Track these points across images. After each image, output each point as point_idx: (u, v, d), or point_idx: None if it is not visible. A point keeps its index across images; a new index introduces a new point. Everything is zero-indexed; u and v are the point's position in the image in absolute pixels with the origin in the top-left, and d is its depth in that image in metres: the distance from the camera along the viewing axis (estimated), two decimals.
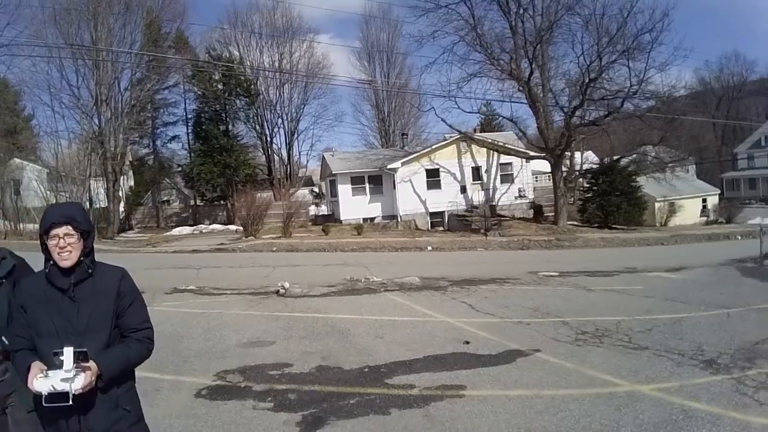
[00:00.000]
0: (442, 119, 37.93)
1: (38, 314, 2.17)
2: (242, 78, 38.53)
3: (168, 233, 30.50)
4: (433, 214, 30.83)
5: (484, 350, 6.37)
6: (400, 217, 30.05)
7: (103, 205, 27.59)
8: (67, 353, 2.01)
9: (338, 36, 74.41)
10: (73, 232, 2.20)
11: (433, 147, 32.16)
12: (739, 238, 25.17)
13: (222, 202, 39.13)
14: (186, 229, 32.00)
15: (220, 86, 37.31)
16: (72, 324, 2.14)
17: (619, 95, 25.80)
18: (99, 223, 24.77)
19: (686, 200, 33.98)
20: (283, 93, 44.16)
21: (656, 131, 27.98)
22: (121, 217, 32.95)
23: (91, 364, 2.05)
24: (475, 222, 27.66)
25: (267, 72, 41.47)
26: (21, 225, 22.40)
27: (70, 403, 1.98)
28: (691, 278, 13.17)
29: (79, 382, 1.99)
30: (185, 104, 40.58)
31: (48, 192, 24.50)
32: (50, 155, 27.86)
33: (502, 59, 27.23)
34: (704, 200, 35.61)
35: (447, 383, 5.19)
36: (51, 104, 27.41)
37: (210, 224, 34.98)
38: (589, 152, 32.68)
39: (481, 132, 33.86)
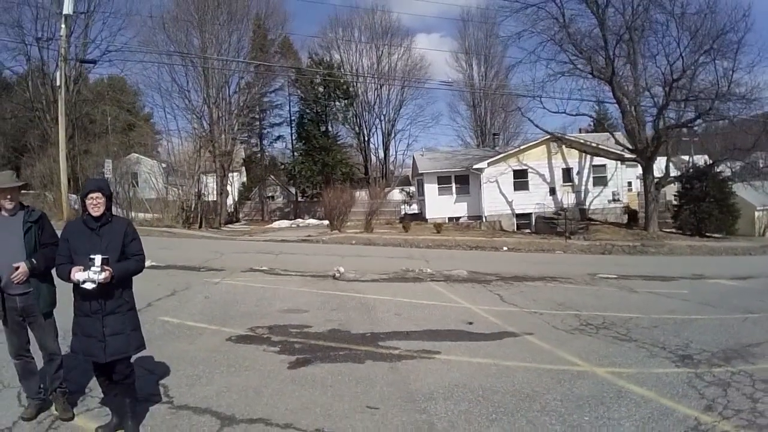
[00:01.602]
0: (529, 119, 37.47)
1: (77, 242, 3.64)
2: (341, 81, 40.94)
3: (268, 225, 33.50)
4: (519, 216, 30.80)
5: (481, 330, 7.16)
6: (485, 217, 30.43)
7: (212, 199, 30.96)
8: (98, 258, 3.50)
9: (436, 32, 75.10)
10: (101, 195, 3.65)
11: (522, 147, 32.10)
12: None
13: (320, 198, 41.90)
14: (285, 223, 34.84)
15: (320, 89, 39.96)
16: (97, 248, 3.56)
17: (701, 96, 24.35)
18: (207, 214, 27.99)
19: None
20: (381, 94, 46.20)
21: (750, 135, 25.97)
22: (229, 210, 36.62)
23: (109, 268, 3.50)
24: (561, 225, 27.34)
25: (365, 75, 43.48)
26: (133, 213, 25.99)
27: (96, 286, 3.47)
28: (748, 286, 12.71)
29: (102, 276, 3.48)
30: (289, 106, 43.98)
31: (165, 185, 28.05)
32: (164, 151, 31.81)
33: (591, 56, 26.69)
34: None
35: (427, 349, 6.12)
36: (163, 105, 31.29)
37: (308, 219, 37.68)
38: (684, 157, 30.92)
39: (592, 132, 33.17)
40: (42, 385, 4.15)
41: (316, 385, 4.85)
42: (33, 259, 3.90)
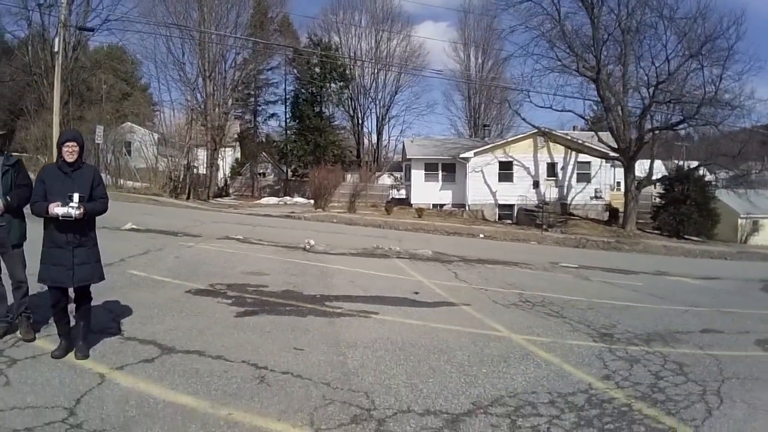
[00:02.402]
0: (516, 112, 37.85)
1: (53, 184, 4.21)
2: (338, 63, 41.18)
3: (256, 201, 33.99)
4: (502, 206, 31.43)
5: (424, 299, 7.76)
6: (469, 206, 31.04)
7: (202, 171, 31.38)
8: (76, 196, 4.10)
9: (437, 21, 75.03)
10: (76, 144, 4.24)
11: (509, 140, 32.67)
12: None
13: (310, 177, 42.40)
14: (273, 200, 35.32)
15: (317, 70, 40.21)
16: (70, 189, 4.13)
17: (684, 100, 24.93)
18: (196, 186, 28.44)
19: None
20: (377, 79, 46.42)
21: (736, 143, 26.60)
22: (220, 184, 37.04)
23: (84, 205, 4.10)
24: (541, 217, 27.99)
25: (362, 60, 43.68)
26: (121, 181, 26.42)
27: (74, 219, 4.07)
28: (710, 286, 13.22)
29: (80, 211, 4.08)
30: (285, 85, 44.24)
31: (155, 155, 28.45)
32: (157, 122, 32.09)
33: (582, 54, 27.15)
34: None
35: (367, 310, 6.71)
36: (157, 76, 31.49)
37: (296, 197, 38.15)
38: (659, 162, 31.54)
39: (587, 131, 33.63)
40: (9, 311, 4.71)
41: (255, 331, 5.43)
42: (8, 197, 4.46)
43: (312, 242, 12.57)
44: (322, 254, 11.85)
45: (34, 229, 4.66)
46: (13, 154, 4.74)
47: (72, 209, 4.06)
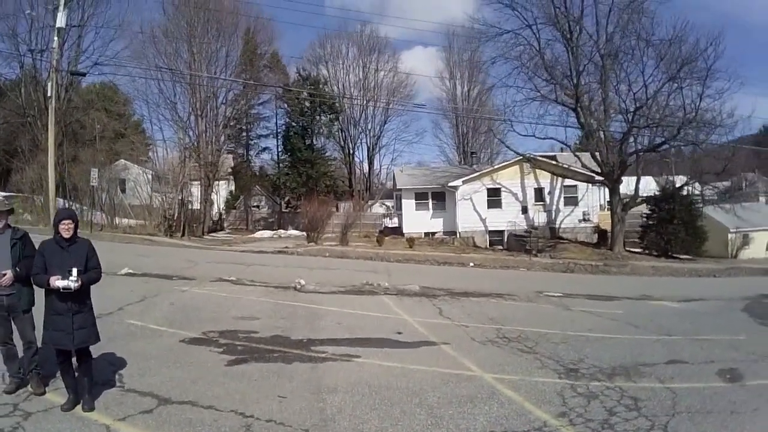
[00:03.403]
0: (500, 140, 38.78)
1: (52, 257, 4.74)
2: (327, 96, 42.21)
3: (251, 235, 34.48)
4: (492, 233, 32.02)
5: (406, 339, 8.25)
6: (459, 233, 31.64)
7: (196, 207, 31.93)
8: (74, 271, 4.61)
9: (423, 49, 76.88)
10: (72, 222, 4.78)
11: (496, 167, 33.46)
12: None
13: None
14: (267, 233, 35.83)
15: (307, 104, 41.19)
16: (66, 262, 4.64)
17: (663, 124, 25.81)
18: (191, 222, 28.96)
19: (760, 232, 32.28)
20: (366, 109, 47.45)
21: (719, 161, 27.39)
22: (214, 218, 37.56)
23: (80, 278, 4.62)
24: (530, 243, 28.55)
25: (351, 93, 44.78)
26: (117, 219, 26.96)
27: (73, 290, 4.58)
28: (689, 309, 13.60)
29: (78, 283, 4.60)
30: (276, 119, 45.21)
31: (151, 192, 29.05)
32: (152, 161, 32.79)
33: (562, 83, 28.11)
34: None
35: (349, 353, 7.19)
36: (149, 116, 32.28)
37: (290, 230, 38.65)
38: (650, 178, 32.17)
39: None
40: (21, 368, 5.20)
41: (243, 380, 5.91)
42: (17, 268, 5.01)
43: (302, 282, 13.06)
44: (313, 293, 12.33)
45: (39, 293, 5.17)
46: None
47: (71, 282, 4.58)
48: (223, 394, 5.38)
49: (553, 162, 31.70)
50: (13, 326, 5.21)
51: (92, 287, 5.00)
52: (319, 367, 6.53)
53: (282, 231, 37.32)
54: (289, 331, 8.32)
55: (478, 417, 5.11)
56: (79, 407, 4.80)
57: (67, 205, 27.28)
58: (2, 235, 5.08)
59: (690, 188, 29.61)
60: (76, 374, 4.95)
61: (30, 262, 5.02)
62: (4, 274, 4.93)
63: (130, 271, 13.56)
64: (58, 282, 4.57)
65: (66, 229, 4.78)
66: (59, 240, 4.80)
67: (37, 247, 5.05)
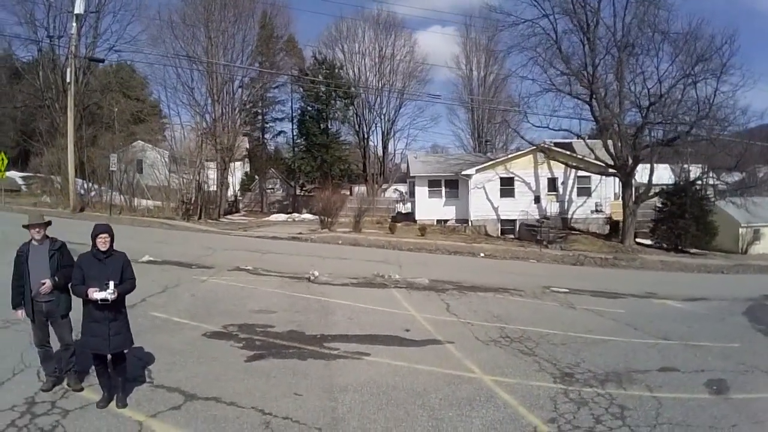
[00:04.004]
0: (515, 130, 38.66)
1: (90, 269, 5.21)
2: (343, 82, 42.36)
3: (266, 218, 35.14)
4: (504, 222, 32.26)
5: (413, 337, 8.72)
6: (471, 221, 31.93)
7: (212, 189, 32.58)
8: (111, 283, 5.07)
9: (440, 33, 76.20)
10: (108, 236, 5.23)
11: (509, 156, 33.54)
12: None
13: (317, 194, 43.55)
14: (282, 216, 36.46)
15: (322, 88, 41.43)
16: (103, 273, 5.12)
17: (676, 121, 25.74)
18: (207, 205, 29.63)
19: None
20: (382, 94, 47.52)
21: (733, 156, 27.32)
22: (230, 200, 38.26)
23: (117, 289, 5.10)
24: (541, 233, 28.79)
25: (366, 78, 44.82)
26: (136, 201, 27.70)
27: (110, 301, 5.04)
28: (691, 309, 13.72)
29: (114, 295, 5.06)
30: (291, 103, 45.54)
31: (169, 173, 29.72)
32: (169, 137, 33.46)
33: (578, 74, 28.04)
34: None
35: (360, 351, 7.69)
36: (167, 101, 32.74)
37: (304, 213, 39.27)
38: (665, 165, 32.06)
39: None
40: (57, 367, 5.76)
41: (263, 376, 6.44)
42: (56, 277, 5.51)
43: (316, 273, 13.58)
44: (325, 285, 12.86)
45: (76, 300, 5.69)
46: (56, 240, 5.75)
47: (108, 294, 5.06)
48: (243, 390, 5.91)
49: (567, 152, 31.68)
50: (51, 330, 5.72)
51: None
52: (332, 365, 7.04)
53: (296, 214, 37.93)
54: (303, 326, 8.84)
55: (475, 420, 5.57)
56: (113, 404, 5.34)
57: (86, 187, 28.12)
58: (41, 246, 5.59)
59: (703, 181, 29.53)
60: (111, 374, 5.47)
61: (68, 271, 5.51)
62: (44, 283, 5.45)
63: (151, 258, 14.17)
64: (96, 294, 5.05)
65: (103, 242, 5.26)
66: (96, 253, 5.28)
67: (74, 257, 5.56)
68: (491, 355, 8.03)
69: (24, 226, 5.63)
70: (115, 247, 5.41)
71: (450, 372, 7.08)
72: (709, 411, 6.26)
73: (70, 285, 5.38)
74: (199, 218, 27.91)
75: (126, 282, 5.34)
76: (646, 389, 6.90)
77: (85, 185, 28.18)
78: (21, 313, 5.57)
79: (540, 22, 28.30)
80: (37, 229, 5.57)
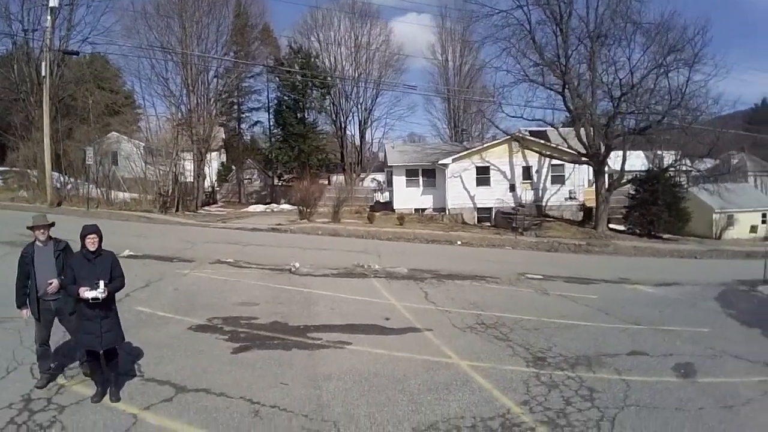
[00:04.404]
0: (489, 120, 39.20)
1: (80, 269, 5.38)
2: (319, 71, 42.21)
3: (244, 209, 35.05)
4: (480, 210, 32.83)
5: (393, 325, 9.05)
6: (449, 210, 32.41)
7: (189, 180, 32.34)
8: (101, 283, 5.24)
9: (415, 22, 76.26)
10: (96, 236, 5.39)
11: (485, 145, 34.04)
12: None
13: (295, 184, 43.46)
14: (260, 207, 36.38)
15: (298, 77, 41.22)
16: (93, 273, 5.29)
17: (647, 111, 26.47)
18: (184, 196, 29.44)
19: (745, 214, 33.35)
20: (359, 84, 47.50)
21: (705, 144, 28.16)
22: (207, 191, 38.00)
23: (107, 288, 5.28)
24: (517, 221, 29.40)
25: (343, 67, 44.73)
26: (112, 194, 27.45)
27: (101, 300, 5.21)
28: (662, 294, 13.96)
29: (105, 294, 5.23)
30: (267, 92, 45.21)
31: (144, 164, 29.43)
32: (144, 128, 33.06)
33: (551, 64, 28.53)
34: (764, 215, 34.51)
35: (342, 340, 7.99)
36: (142, 93, 32.24)
37: (282, 204, 39.25)
38: (639, 152, 32.87)
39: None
40: (52, 365, 5.93)
41: (249, 367, 6.69)
42: (62, 277, 5.70)
43: (297, 264, 13.82)
44: (307, 276, 13.10)
45: None
46: (59, 240, 5.94)
47: (99, 293, 5.25)
48: (231, 381, 6.16)
49: (541, 141, 32.30)
50: (54, 329, 5.94)
51: None
52: (315, 355, 7.33)
53: (275, 205, 37.90)
54: (287, 317, 9.10)
55: (452, 403, 5.93)
56: (106, 398, 5.55)
57: (63, 180, 27.70)
58: (46, 247, 5.77)
59: (676, 168, 30.34)
60: (103, 370, 5.67)
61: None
62: (51, 283, 5.65)
63: (131, 253, 14.20)
64: (87, 293, 5.23)
65: (91, 242, 5.43)
66: (86, 253, 5.44)
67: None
68: (468, 342, 8.41)
69: (28, 228, 5.79)
70: None
71: (428, 358, 7.43)
72: (676, 394, 6.58)
73: (62, 286, 5.55)
74: (177, 210, 27.75)
75: (115, 280, 5.53)
76: (615, 372, 7.27)
77: (62, 179, 27.75)
78: (26, 312, 5.78)
79: (514, 12, 28.71)
80: (41, 231, 5.76)
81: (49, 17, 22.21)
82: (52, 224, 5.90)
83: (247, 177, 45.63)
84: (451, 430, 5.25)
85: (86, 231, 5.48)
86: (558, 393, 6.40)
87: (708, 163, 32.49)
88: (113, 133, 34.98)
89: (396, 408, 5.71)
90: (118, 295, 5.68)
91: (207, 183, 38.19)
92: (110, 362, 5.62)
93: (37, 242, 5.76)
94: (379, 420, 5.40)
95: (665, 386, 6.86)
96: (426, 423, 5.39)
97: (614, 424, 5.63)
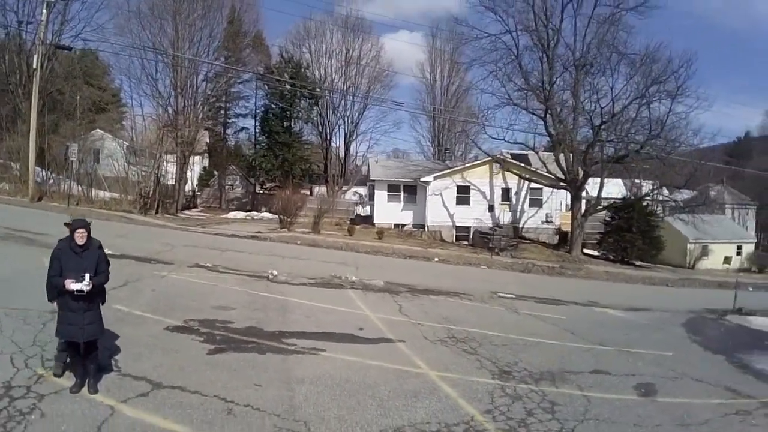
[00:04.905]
0: (473, 141, 40.09)
1: (68, 261, 5.55)
2: (308, 82, 42.60)
3: (224, 215, 35.00)
4: (459, 228, 33.33)
5: (367, 335, 9.31)
6: (428, 227, 32.85)
7: (170, 183, 32.27)
8: (87, 276, 5.42)
9: (406, 40, 77.48)
10: (85, 231, 5.57)
11: (467, 165, 34.73)
12: (750, 289, 25.03)
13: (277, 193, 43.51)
14: (240, 214, 36.35)
15: (287, 86, 41.52)
16: (80, 266, 5.48)
17: (626, 140, 27.34)
18: (165, 199, 29.35)
19: (720, 245, 34.46)
20: (346, 97, 48.02)
21: (682, 176, 29.01)
22: (188, 195, 37.87)
23: (91, 281, 5.43)
24: (494, 241, 29.93)
25: (332, 79, 45.21)
26: (94, 192, 27.28)
27: (85, 293, 5.39)
28: (631, 319, 14.39)
29: (89, 287, 5.42)
30: (255, 99, 45.46)
31: (126, 164, 29.32)
32: (128, 126, 32.99)
33: (536, 89, 29.36)
34: (739, 247, 35.75)
35: (316, 347, 8.22)
36: (131, 92, 32.24)
37: (263, 212, 39.22)
38: (618, 180, 33.78)
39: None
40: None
41: (224, 368, 6.88)
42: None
43: (275, 272, 13.99)
44: (284, 284, 13.28)
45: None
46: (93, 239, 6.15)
47: (84, 285, 5.45)
48: (206, 381, 6.34)
49: (521, 165, 33.06)
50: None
51: None
52: (289, 359, 7.54)
53: (255, 213, 37.89)
54: (262, 323, 9.29)
55: (419, 410, 6.20)
56: (85, 389, 5.69)
57: (44, 175, 27.43)
58: (80, 245, 5.85)
59: (652, 197, 31.19)
60: (83, 363, 5.81)
61: (104, 267, 5.98)
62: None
63: (110, 252, 14.12)
64: (73, 285, 5.42)
65: (80, 236, 5.62)
66: (74, 246, 5.63)
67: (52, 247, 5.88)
68: (438, 354, 8.71)
69: (66, 224, 5.93)
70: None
71: (399, 367, 7.70)
72: (635, 410, 6.91)
73: (47, 278, 5.69)
74: (156, 212, 27.65)
75: (100, 274, 5.71)
76: (577, 388, 7.63)
77: (43, 173, 27.49)
78: (56, 305, 5.91)
79: (503, 37, 29.62)
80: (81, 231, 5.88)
81: (45, 10, 22.20)
82: (91, 222, 6.12)
83: (229, 183, 45.55)
84: None
85: (76, 225, 5.67)
86: (521, 404, 6.72)
87: (685, 194, 33.51)
88: (97, 130, 34.78)
89: (365, 412, 5.97)
90: None
91: (188, 187, 38.07)
92: (90, 354, 5.77)
93: (74, 240, 5.80)
94: (349, 422, 5.64)
95: (625, 404, 7.17)
96: (393, 426, 5.65)
97: None
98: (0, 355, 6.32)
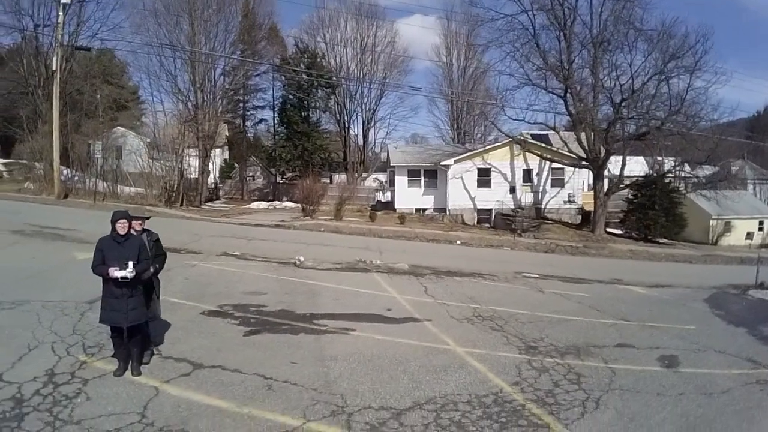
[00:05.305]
0: (492, 122, 39.69)
1: (110, 251, 5.82)
2: (324, 71, 42.72)
3: (247, 206, 35.54)
4: (480, 211, 33.30)
5: (394, 315, 9.52)
6: (449, 210, 32.88)
7: (193, 176, 32.85)
8: (130, 263, 5.69)
9: (421, 24, 76.84)
10: (126, 221, 5.84)
11: (487, 147, 34.52)
12: None
13: (298, 182, 43.91)
14: (262, 204, 36.89)
15: (304, 77, 41.73)
16: (122, 255, 5.76)
17: (647, 117, 26.89)
18: (188, 192, 29.94)
19: (742, 221, 33.76)
20: (363, 84, 48.01)
21: (703, 152, 28.52)
22: (210, 187, 38.51)
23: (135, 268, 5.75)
24: (516, 222, 29.86)
25: (348, 67, 45.20)
26: (119, 187, 27.95)
27: (129, 279, 5.68)
28: (654, 295, 14.30)
29: (133, 274, 5.71)
30: (273, 91, 45.76)
31: (150, 160, 29.95)
32: (149, 122, 33.69)
33: (554, 68, 29.00)
34: (761, 222, 34.97)
35: (347, 327, 8.46)
36: (150, 89, 32.85)
37: (285, 201, 39.71)
38: (640, 158, 33.26)
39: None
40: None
41: (260, 348, 7.16)
42: (156, 264, 6.48)
43: (302, 258, 14.29)
44: (311, 269, 13.57)
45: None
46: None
47: (128, 272, 5.70)
48: (244, 360, 6.62)
49: (542, 145, 32.76)
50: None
51: None
52: (322, 339, 7.80)
53: (277, 202, 38.36)
54: (293, 306, 9.57)
55: (449, 382, 6.40)
56: (128, 373, 6.00)
57: (68, 173, 28.19)
58: (135, 236, 6.26)
59: (674, 174, 30.73)
60: (126, 347, 6.11)
61: (161, 260, 6.76)
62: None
63: None
64: (116, 272, 5.68)
65: (122, 227, 5.90)
66: (115, 236, 5.90)
67: (95, 242, 6.18)
68: (464, 331, 8.88)
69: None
70: (101, 234, 6.07)
71: (427, 345, 7.89)
72: (659, 381, 7.02)
73: (92, 266, 5.99)
74: (181, 205, 28.24)
75: (143, 262, 5.99)
76: (602, 361, 7.73)
77: (66, 172, 28.25)
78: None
79: (519, 17, 29.23)
80: (139, 222, 6.41)
81: (60, 13, 22.70)
82: (149, 217, 6.45)
83: (250, 174, 46.10)
84: (448, 404, 5.71)
85: (116, 216, 5.95)
86: (547, 377, 6.86)
87: (707, 170, 32.92)
88: (119, 127, 35.50)
89: (398, 385, 6.18)
90: None
91: (210, 179, 38.69)
92: (133, 338, 6.06)
93: (132, 231, 6.14)
94: (382, 394, 5.86)
95: (649, 374, 7.27)
96: (425, 398, 5.85)
97: (598, 404, 6.08)
98: (41, 345, 6.67)
